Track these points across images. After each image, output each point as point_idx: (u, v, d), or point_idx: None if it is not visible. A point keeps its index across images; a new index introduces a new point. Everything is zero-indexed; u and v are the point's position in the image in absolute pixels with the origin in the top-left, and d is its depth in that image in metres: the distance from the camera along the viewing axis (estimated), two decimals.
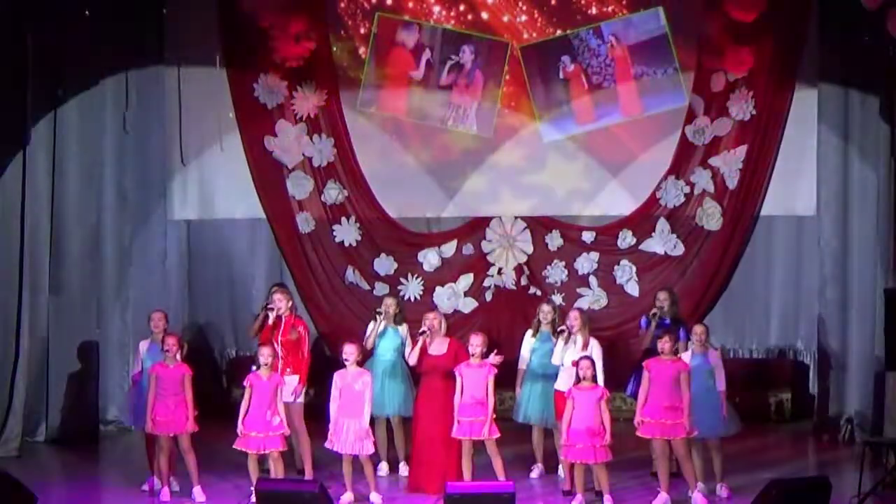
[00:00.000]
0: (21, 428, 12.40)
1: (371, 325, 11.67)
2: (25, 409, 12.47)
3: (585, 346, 10.96)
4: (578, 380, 10.35)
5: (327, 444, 10.50)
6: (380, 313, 11.63)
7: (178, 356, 10.66)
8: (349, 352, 10.52)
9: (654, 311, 11.73)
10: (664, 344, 10.38)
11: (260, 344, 10.90)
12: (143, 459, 11.12)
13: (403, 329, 11.63)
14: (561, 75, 14.72)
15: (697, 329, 10.89)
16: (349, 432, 10.39)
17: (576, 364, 10.49)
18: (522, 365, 11.51)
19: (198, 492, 10.56)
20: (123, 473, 11.46)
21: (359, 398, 10.43)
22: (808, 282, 14.14)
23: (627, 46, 14.59)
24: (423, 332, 10.88)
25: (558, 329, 11.11)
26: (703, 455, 10.62)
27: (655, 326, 11.62)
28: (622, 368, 11.95)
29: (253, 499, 9.62)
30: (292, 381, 11.06)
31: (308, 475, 10.94)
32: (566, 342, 10.95)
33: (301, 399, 11.24)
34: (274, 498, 9.38)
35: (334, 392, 10.50)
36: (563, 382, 10.83)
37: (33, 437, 12.61)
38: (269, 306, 11.31)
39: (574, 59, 14.65)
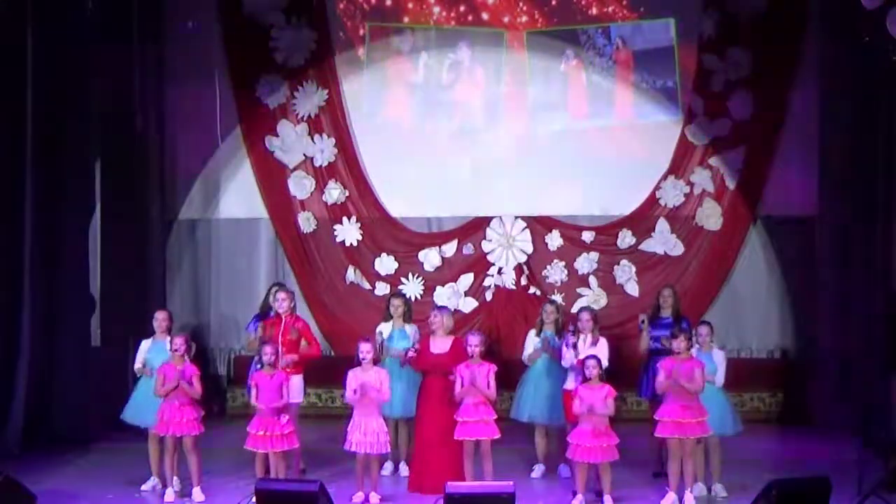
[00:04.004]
0: (21, 428, 12.40)
1: (379, 331, 11.61)
2: (26, 409, 12.47)
3: (595, 343, 10.99)
4: (586, 379, 10.36)
5: (346, 446, 10.51)
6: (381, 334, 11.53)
7: (187, 356, 10.68)
8: (365, 350, 10.52)
9: (643, 317, 11.74)
10: (679, 343, 10.37)
11: (262, 342, 10.91)
12: (144, 459, 11.13)
13: (411, 329, 11.61)
14: (562, 68, 14.74)
15: (702, 330, 10.90)
16: (367, 431, 10.42)
17: (581, 363, 10.50)
18: (529, 362, 11.53)
19: (197, 492, 10.56)
20: (123, 473, 11.46)
21: (376, 396, 10.45)
22: (808, 282, 14.15)
23: (632, 52, 14.62)
24: (415, 348, 10.91)
25: (570, 336, 11.08)
26: (702, 452, 10.65)
27: (651, 326, 11.61)
28: (623, 368, 11.93)
29: (253, 499, 9.62)
30: (293, 380, 11.06)
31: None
32: (575, 345, 10.96)
33: (299, 399, 11.26)
34: (274, 498, 9.37)
35: (349, 391, 10.51)
36: (572, 382, 10.87)
37: (33, 437, 12.60)
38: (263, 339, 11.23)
39: (577, 54, 14.68)
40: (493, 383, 10.52)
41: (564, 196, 14.80)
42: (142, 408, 11.02)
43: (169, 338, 11.05)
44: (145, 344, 11.24)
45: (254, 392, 10.52)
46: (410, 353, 10.95)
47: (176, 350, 10.63)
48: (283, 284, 12.32)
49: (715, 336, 10.99)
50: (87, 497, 10.79)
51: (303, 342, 11.37)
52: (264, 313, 11.90)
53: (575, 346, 10.97)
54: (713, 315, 13.97)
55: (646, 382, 11.53)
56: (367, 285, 14.97)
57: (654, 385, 10.65)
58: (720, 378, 10.75)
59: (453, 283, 14.90)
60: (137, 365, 11.17)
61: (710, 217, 14.62)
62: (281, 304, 11.29)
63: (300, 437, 10.87)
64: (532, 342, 11.51)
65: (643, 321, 11.65)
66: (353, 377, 10.54)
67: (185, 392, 10.54)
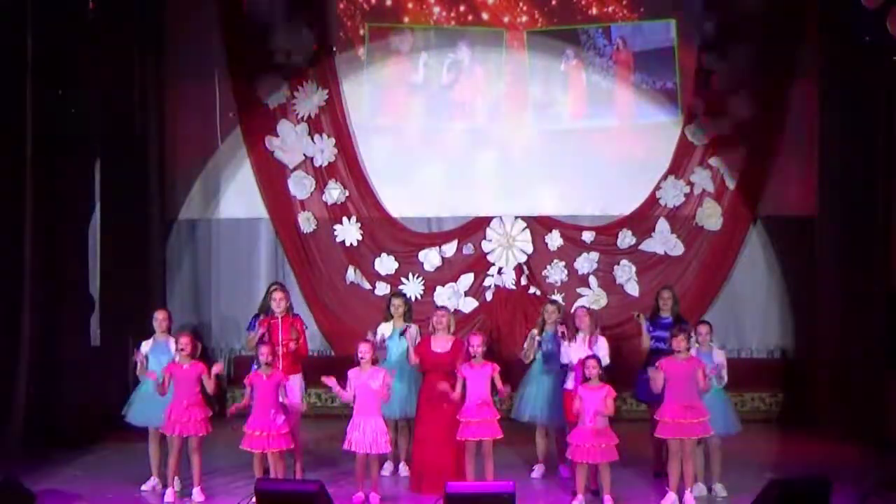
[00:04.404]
0: (21, 428, 12.40)
1: (381, 330, 11.60)
2: (26, 409, 12.46)
3: (592, 343, 10.98)
4: (585, 379, 10.35)
5: (345, 446, 10.50)
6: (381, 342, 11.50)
7: (194, 355, 10.68)
8: (364, 350, 10.51)
9: (636, 312, 11.73)
10: (679, 342, 10.36)
11: (259, 343, 10.91)
12: (144, 459, 11.13)
13: (413, 328, 11.58)
14: (562, 67, 14.74)
15: (702, 329, 10.89)
16: (366, 431, 10.41)
17: (581, 363, 10.50)
18: (525, 359, 11.52)
19: (197, 492, 10.57)
20: (123, 473, 11.47)
21: (375, 397, 10.44)
22: (807, 282, 14.15)
23: (633, 52, 14.62)
24: (409, 329, 10.93)
25: (559, 332, 11.10)
26: (702, 453, 10.66)
27: (651, 326, 11.60)
28: (623, 368, 11.93)
29: (253, 499, 9.62)
30: (293, 380, 11.08)
31: (298, 475, 10.96)
32: (569, 342, 10.96)
33: (299, 399, 11.26)
34: (274, 498, 9.37)
35: (349, 391, 10.51)
36: (573, 382, 10.86)
37: (33, 437, 12.59)
38: (262, 332, 11.23)
39: (577, 54, 14.68)
40: (499, 382, 10.52)
41: (564, 196, 14.81)
42: (146, 408, 11.01)
43: (169, 337, 11.06)
44: (146, 345, 11.22)
45: (247, 391, 10.52)
46: (411, 345, 10.92)
47: (182, 349, 10.63)
48: (281, 284, 12.32)
49: (714, 336, 11.00)
50: (87, 497, 10.79)
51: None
52: (264, 313, 11.90)
53: (563, 336, 10.95)
54: (713, 315, 13.94)
55: (645, 384, 11.50)
56: (367, 285, 14.97)
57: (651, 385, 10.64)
58: (723, 377, 10.75)
59: (453, 283, 14.90)
60: (142, 354, 11.15)
61: (710, 217, 14.63)
62: (278, 303, 11.28)
63: (300, 437, 10.89)
64: (536, 339, 11.51)
65: (638, 315, 11.64)
66: (353, 377, 10.55)
67: (194, 392, 10.54)
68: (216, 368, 10.72)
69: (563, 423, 11.03)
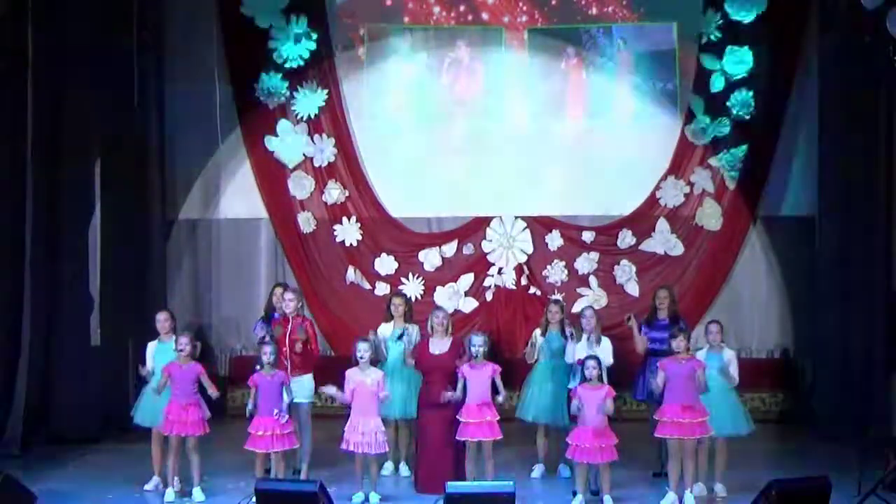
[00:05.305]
0: (21, 428, 12.40)
1: (381, 331, 11.60)
2: (25, 409, 12.47)
3: (598, 343, 11.02)
4: (585, 379, 10.35)
5: (343, 446, 10.50)
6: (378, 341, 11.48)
7: (193, 355, 10.68)
8: (362, 349, 10.50)
9: (628, 315, 11.74)
10: (680, 343, 10.37)
11: (261, 342, 10.90)
12: (144, 459, 11.13)
13: (412, 329, 11.59)
14: (563, 67, 14.74)
15: (713, 328, 10.88)
16: (364, 432, 10.40)
17: (581, 363, 10.50)
18: (529, 359, 11.54)
19: (197, 492, 10.58)
20: (123, 473, 11.47)
21: (372, 397, 10.44)
22: (807, 282, 14.14)
23: (634, 53, 14.62)
24: (407, 331, 10.95)
25: (567, 332, 11.11)
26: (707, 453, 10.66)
27: (648, 327, 11.61)
28: (623, 368, 11.91)
29: (253, 499, 9.61)
30: (303, 380, 11.08)
31: (304, 476, 10.96)
32: (577, 340, 10.98)
33: (310, 399, 11.26)
34: (274, 498, 9.38)
35: (346, 391, 10.50)
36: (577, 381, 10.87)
37: (33, 437, 12.60)
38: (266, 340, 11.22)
39: (578, 54, 14.68)
40: (500, 383, 10.52)
41: (564, 196, 14.80)
42: (151, 409, 11.00)
43: (174, 337, 11.06)
44: (151, 346, 11.21)
45: (252, 392, 10.52)
46: (408, 348, 10.96)
47: (181, 350, 10.64)
48: (286, 285, 12.31)
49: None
50: (88, 497, 10.80)
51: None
52: (268, 314, 11.89)
53: (572, 336, 10.97)
54: (713, 315, 13.89)
55: (643, 384, 11.52)
56: (367, 285, 14.96)
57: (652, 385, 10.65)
58: (734, 377, 10.75)
59: (453, 283, 14.89)
60: (148, 368, 11.13)
61: (710, 217, 14.62)
62: (288, 304, 11.27)
63: (301, 437, 10.89)
64: (538, 343, 11.51)
65: (629, 318, 11.65)
66: (350, 377, 10.54)
67: (191, 392, 10.54)
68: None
69: (568, 423, 11.00)
